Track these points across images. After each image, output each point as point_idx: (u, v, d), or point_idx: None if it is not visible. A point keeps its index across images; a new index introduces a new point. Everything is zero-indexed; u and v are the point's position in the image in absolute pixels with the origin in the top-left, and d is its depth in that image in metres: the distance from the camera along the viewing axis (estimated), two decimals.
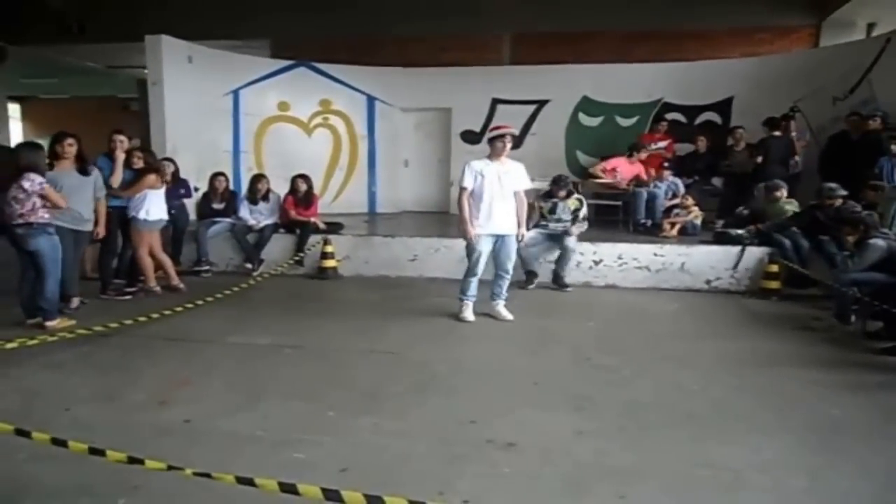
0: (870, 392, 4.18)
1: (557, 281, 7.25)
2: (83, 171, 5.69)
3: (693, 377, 4.41)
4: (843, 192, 6.58)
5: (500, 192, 5.58)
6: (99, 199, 5.86)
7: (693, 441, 3.39)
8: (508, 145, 5.60)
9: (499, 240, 5.71)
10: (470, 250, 5.72)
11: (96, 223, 5.87)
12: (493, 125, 5.70)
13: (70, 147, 5.63)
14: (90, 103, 19.25)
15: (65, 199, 5.31)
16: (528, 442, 3.34)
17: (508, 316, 5.85)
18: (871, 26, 10.40)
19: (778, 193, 7.33)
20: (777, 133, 8.55)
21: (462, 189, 5.63)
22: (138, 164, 6.66)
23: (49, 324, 5.24)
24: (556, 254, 7.36)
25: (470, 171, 5.62)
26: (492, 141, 5.65)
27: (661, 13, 10.88)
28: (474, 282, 5.80)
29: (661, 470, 3.07)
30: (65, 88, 19.01)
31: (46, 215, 5.13)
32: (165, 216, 6.82)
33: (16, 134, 20.20)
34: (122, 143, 6.51)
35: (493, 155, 5.63)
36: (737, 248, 7.21)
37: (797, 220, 6.92)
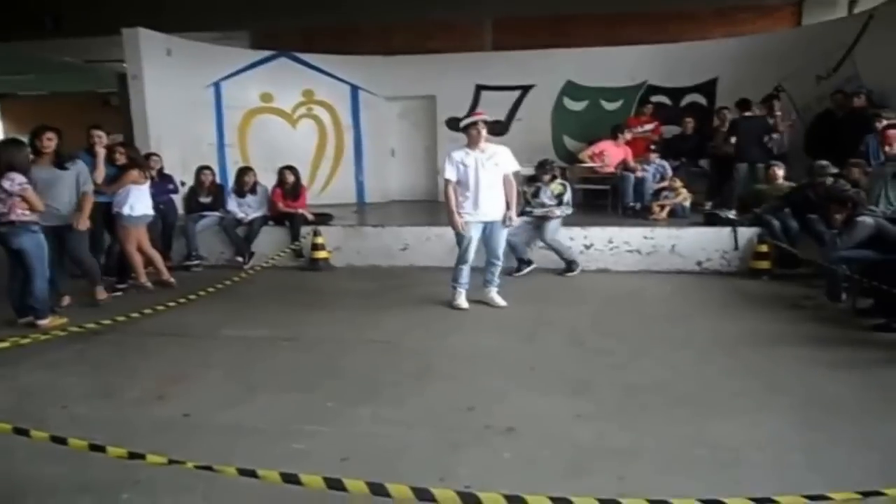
0: (863, 368, 4.22)
1: (569, 265, 7.18)
2: (60, 165, 5.59)
3: (688, 358, 4.44)
4: (834, 170, 6.62)
5: (485, 178, 5.56)
6: (85, 192, 5.72)
7: (690, 421, 3.42)
8: (483, 131, 5.55)
9: (487, 226, 5.71)
10: (459, 238, 5.72)
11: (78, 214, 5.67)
12: (467, 114, 5.68)
13: (49, 141, 5.55)
14: (70, 99, 19.06)
15: (41, 200, 5.18)
16: (526, 426, 3.35)
17: (501, 302, 5.86)
18: (852, 3, 10.39)
19: (776, 172, 7.34)
20: (748, 113, 8.59)
21: (446, 181, 5.62)
22: (121, 160, 6.61)
23: (41, 322, 5.19)
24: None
25: (451, 162, 5.60)
26: (466, 129, 5.63)
27: None
28: (465, 269, 5.80)
29: (660, 450, 3.09)
30: (43, 85, 18.78)
31: (27, 213, 5.04)
32: (151, 211, 6.73)
33: None
34: (100, 138, 6.42)
35: (471, 143, 5.60)
36: (727, 230, 7.25)
37: (790, 199, 6.96)
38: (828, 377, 4.03)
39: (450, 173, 5.59)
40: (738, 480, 2.79)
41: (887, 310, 5.08)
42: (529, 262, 7.26)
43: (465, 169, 5.55)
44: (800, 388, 3.88)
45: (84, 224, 5.69)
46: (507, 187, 5.70)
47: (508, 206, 5.72)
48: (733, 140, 8.48)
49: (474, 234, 5.69)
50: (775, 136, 8.50)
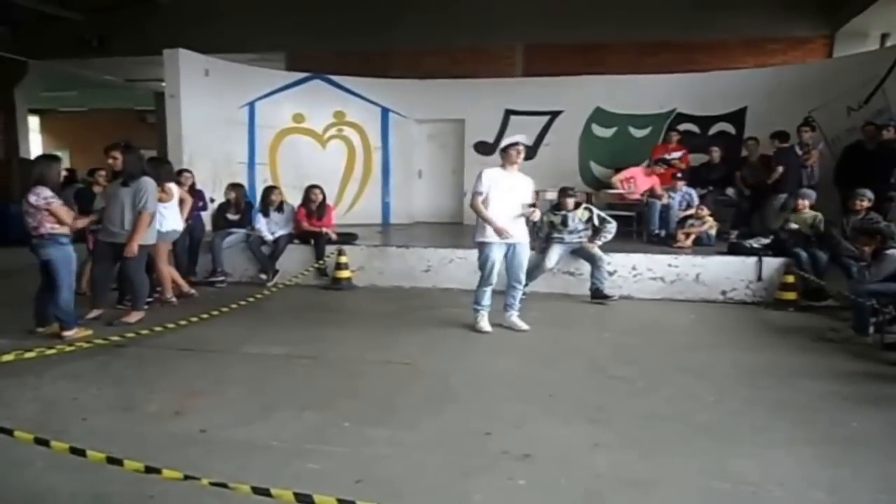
0: (889, 404, 4.12)
1: (597, 294, 7.11)
2: (125, 183, 5.75)
3: (709, 388, 4.37)
4: (871, 195, 6.55)
5: (512, 200, 5.60)
6: (141, 212, 5.69)
7: (710, 453, 3.36)
8: (522, 153, 5.62)
9: (510, 249, 5.71)
10: (483, 260, 5.72)
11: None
12: (497, 137, 5.78)
13: (114, 160, 5.80)
14: (107, 116, 19.53)
15: (71, 214, 5.30)
16: (543, 453, 3.32)
17: (523, 326, 5.84)
18: (884, 36, 10.34)
19: (803, 203, 7.25)
20: (786, 144, 8.53)
21: (476, 194, 5.63)
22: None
23: (66, 333, 5.28)
24: (578, 265, 7.36)
25: (484, 178, 5.63)
26: (505, 149, 5.67)
27: (674, 24, 10.86)
28: (488, 291, 5.80)
29: (678, 482, 3.04)
30: (83, 101, 19.29)
31: (56, 227, 5.15)
32: (179, 226, 6.84)
33: (35, 147, 20.52)
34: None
35: (507, 163, 5.64)
36: (752, 259, 7.16)
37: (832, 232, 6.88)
38: (852, 412, 3.94)
39: (482, 187, 5.61)
40: None
41: None
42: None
43: (498, 190, 5.57)
44: (823, 422, 3.80)
45: (131, 251, 5.66)
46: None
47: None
48: (780, 169, 8.39)
49: (497, 256, 5.69)
50: (813, 166, 8.44)
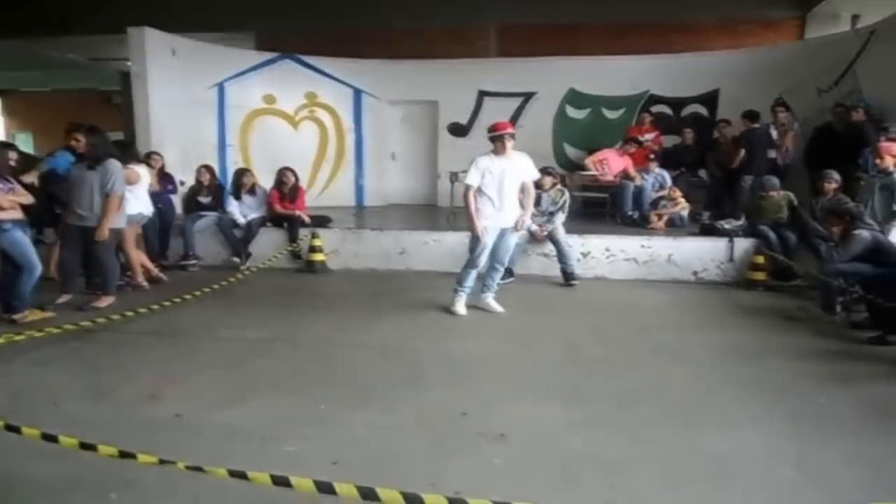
0: (855, 381, 4.23)
1: (567, 277, 7.11)
2: (91, 166, 5.63)
3: (681, 368, 4.44)
4: (838, 177, 6.66)
5: (507, 186, 5.56)
6: (108, 194, 5.59)
7: (682, 431, 3.42)
8: (508, 143, 5.52)
9: (501, 232, 5.70)
10: (474, 243, 5.71)
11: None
12: (493, 124, 5.67)
13: (76, 142, 5.68)
14: (72, 96, 19.06)
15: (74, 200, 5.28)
16: (519, 433, 3.35)
17: (499, 308, 5.86)
18: (855, 18, 10.47)
19: (773, 193, 7.34)
20: (756, 125, 8.62)
21: (467, 186, 5.60)
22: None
23: (15, 316, 5.19)
24: (545, 248, 7.38)
25: (476, 168, 5.57)
26: (492, 140, 5.61)
27: (649, 6, 10.88)
28: (474, 274, 5.79)
29: (652, 460, 3.09)
30: (46, 81, 18.80)
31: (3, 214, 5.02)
32: (147, 210, 6.71)
33: None
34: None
35: (497, 151, 5.58)
36: (724, 240, 7.26)
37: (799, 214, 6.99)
38: (821, 390, 4.04)
39: (472, 179, 5.57)
40: (730, 492, 2.80)
41: (881, 323, 5.11)
42: (512, 274, 7.14)
43: (491, 175, 5.54)
44: (793, 400, 3.88)
45: (102, 235, 5.60)
46: (525, 193, 5.72)
47: (524, 209, 5.73)
48: (742, 153, 8.48)
49: (490, 241, 5.67)
50: (788, 147, 8.54)
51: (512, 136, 5.58)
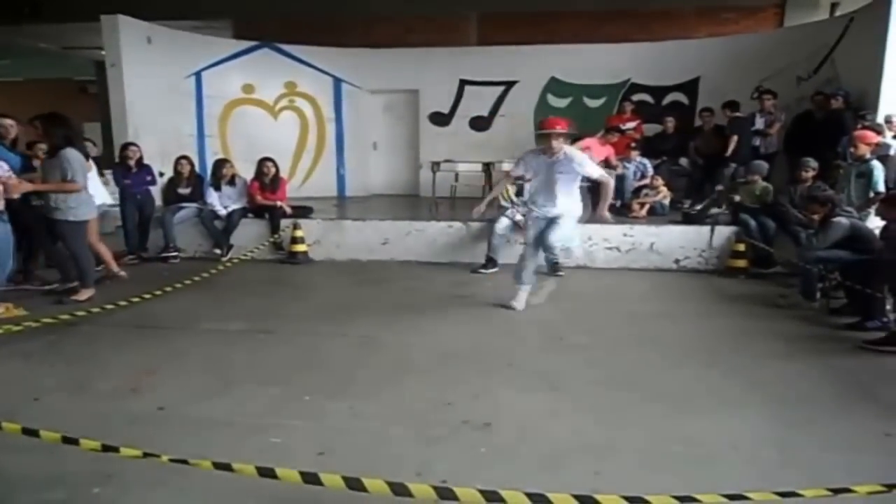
0: (836, 366, 4.28)
1: (552, 268, 7.06)
2: (49, 154, 5.56)
3: (664, 355, 4.48)
4: (815, 164, 6.73)
5: (551, 179, 5.43)
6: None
7: (666, 417, 3.45)
8: (553, 142, 5.32)
9: (547, 223, 5.57)
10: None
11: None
12: (542, 119, 5.62)
13: (34, 130, 5.59)
14: (45, 86, 18.68)
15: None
16: (503, 422, 3.36)
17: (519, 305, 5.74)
18: (834, 6, 10.55)
19: (757, 178, 7.39)
20: (739, 114, 8.68)
21: (506, 173, 5.59)
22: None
23: None
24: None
25: (523, 161, 5.60)
26: (539, 136, 5.53)
27: None
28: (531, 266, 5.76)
29: (635, 446, 3.12)
30: (18, 71, 18.40)
31: None
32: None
33: None
34: (11, 127, 6.00)
35: (545, 150, 5.45)
36: (706, 228, 7.32)
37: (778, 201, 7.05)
38: (801, 375, 4.09)
39: (515, 170, 5.69)
40: (713, 477, 2.82)
41: (860, 309, 5.18)
42: (495, 263, 7.16)
43: (535, 170, 5.53)
44: (774, 385, 3.92)
45: (18, 188, 5.26)
46: (601, 188, 5.59)
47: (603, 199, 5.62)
48: (735, 138, 8.52)
49: (532, 232, 5.62)
50: (772, 135, 8.60)
51: (559, 134, 5.35)
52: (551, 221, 5.52)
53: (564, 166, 5.40)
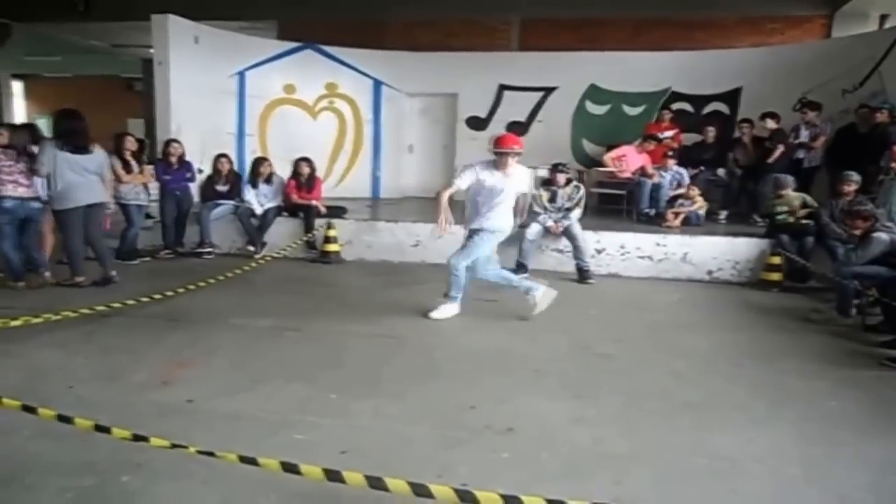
0: (867, 385, 4.19)
1: (582, 275, 7.08)
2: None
3: (692, 367, 4.42)
4: (858, 178, 6.59)
5: (498, 197, 5.40)
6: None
7: (690, 430, 3.42)
8: (511, 160, 5.30)
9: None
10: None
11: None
12: (498, 136, 5.52)
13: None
14: (94, 82, 19.21)
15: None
16: (526, 428, 3.36)
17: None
18: (883, 18, 10.29)
19: (787, 191, 7.26)
20: (779, 126, 8.53)
21: (453, 184, 5.52)
22: None
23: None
24: (567, 242, 7.33)
25: (471, 171, 5.42)
26: (496, 153, 5.38)
27: (671, 1, 10.77)
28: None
29: (658, 457, 3.09)
30: (68, 67, 18.95)
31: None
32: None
33: (19, 112, 20.18)
34: (2, 136, 6.10)
35: (498, 166, 5.36)
36: (740, 240, 7.22)
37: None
38: (831, 392, 4.01)
39: (462, 182, 5.46)
40: (735, 491, 2.79)
41: None
42: (526, 268, 7.13)
43: (483, 184, 5.38)
44: (802, 402, 3.86)
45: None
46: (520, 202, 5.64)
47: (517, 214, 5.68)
48: (781, 148, 8.33)
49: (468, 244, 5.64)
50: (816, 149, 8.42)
51: (516, 154, 5.33)
52: (478, 233, 5.54)
53: (512, 183, 5.41)
